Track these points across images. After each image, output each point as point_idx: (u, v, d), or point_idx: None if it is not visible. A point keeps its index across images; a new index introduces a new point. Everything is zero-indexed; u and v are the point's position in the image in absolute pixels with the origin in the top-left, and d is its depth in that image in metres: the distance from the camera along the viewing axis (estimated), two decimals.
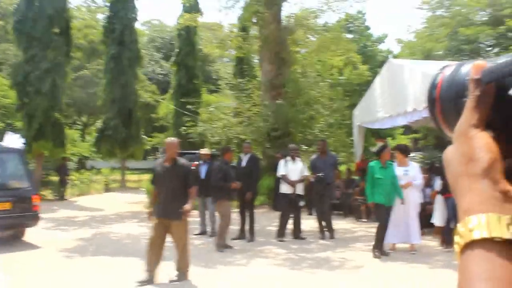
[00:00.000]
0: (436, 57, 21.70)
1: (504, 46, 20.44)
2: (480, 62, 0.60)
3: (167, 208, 6.38)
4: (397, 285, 6.42)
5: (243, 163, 10.11)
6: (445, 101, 0.65)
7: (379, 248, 8.19)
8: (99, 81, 29.49)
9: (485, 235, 0.51)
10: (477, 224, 0.52)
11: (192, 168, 6.34)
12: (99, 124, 26.99)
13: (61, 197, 20.47)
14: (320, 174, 9.98)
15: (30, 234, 10.70)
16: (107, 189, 24.79)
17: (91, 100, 35.82)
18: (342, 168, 17.13)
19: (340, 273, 7.14)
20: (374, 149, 23.76)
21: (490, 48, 22.38)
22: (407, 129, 24.34)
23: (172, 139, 6.79)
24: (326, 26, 21.34)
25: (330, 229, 10.08)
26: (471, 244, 0.52)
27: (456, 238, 0.55)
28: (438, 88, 0.67)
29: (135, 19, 26.82)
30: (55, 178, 22.00)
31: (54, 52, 19.72)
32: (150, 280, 6.43)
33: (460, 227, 0.54)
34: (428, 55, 22.34)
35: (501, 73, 0.56)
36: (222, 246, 9.00)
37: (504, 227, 0.51)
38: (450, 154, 0.59)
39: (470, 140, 0.56)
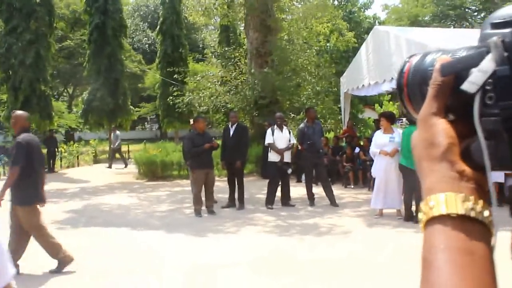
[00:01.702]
0: (422, 22, 21.71)
1: (490, 11, 20.47)
2: (444, 57, 0.67)
3: None
4: (383, 249, 6.59)
5: (231, 132, 10.18)
6: (411, 87, 0.73)
7: None
8: (84, 51, 29.18)
9: (443, 211, 0.59)
10: (436, 202, 0.60)
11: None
12: (85, 95, 26.78)
13: (50, 169, 20.45)
14: (309, 142, 10.07)
15: None
16: (96, 160, 24.78)
17: (76, 71, 35.55)
18: (330, 135, 17.27)
19: (328, 238, 7.30)
20: (361, 115, 23.97)
21: (476, 14, 22.41)
22: (394, 96, 24.46)
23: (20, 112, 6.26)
24: None
25: (332, 197, 10.14)
26: (432, 220, 0.60)
27: (420, 215, 0.63)
28: (405, 75, 0.74)
29: None
30: (43, 151, 21.92)
31: (36, 23, 19.45)
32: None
33: (422, 205, 0.62)
34: (414, 21, 22.35)
35: (457, 68, 0.64)
36: (198, 212, 9.41)
37: (460, 204, 0.59)
38: (414, 139, 0.67)
39: (430, 127, 0.64)
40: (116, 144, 22.68)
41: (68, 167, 22.18)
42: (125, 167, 20.89)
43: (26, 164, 5.75)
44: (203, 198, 9.52)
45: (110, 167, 21.19)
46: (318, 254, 6.43)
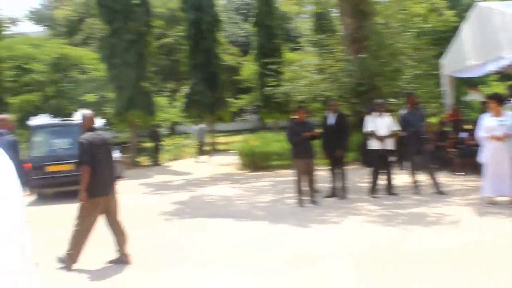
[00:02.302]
0: None
1: None
2: None
3: None
4: (497, 239, 6.26)
5: (331, 121, 10.07)
6: None
7: None
8: (182, 47, 30.08)
9: None
10: None
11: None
12: (185, 89, 27.66)
13: (155, 162, 21.36)
14: (411, 128, 9.76)
15: (130, 199, 11.35)
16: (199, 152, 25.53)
17: (176, 66, 36.73)
18: (434, 119, 16.62)
19: (437, 228, 7.03)
20: (465, 98, 22.85)
21: None
22: (504, 76, 23.07)
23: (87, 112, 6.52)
24: None
25: (438, 185, 9.81)
26: None
27: None
28: None
29: None
30: (149, 145, 22.96)
31: (135, 23, 20.28)
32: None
33: None
34: None
35: None
36: (300, 202, 9.50)
37: None
38: None
39: None
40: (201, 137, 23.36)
41: (172, 159, 23.01)
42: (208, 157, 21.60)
43: (90, 162, 6.06)
44: (305, 188, 9.54)
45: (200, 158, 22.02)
46: (427, 244, 6.22)
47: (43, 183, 12.19)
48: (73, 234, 6.17)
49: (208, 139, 26.00)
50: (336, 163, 10.10)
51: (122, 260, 6.22)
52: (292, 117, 10.40)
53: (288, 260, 5.88)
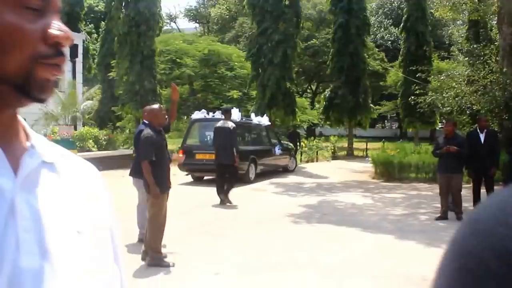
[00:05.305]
0: None
1: None
2: None
3: None
4: None
5: (482, 138, 9.55)
6: None
7: None
8: (328, 50, 30.05)
9: None
10: None
11: None
12: (328, 92, 27.61)
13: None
14: None
15: (261, 197, 11.57)
16: (334, 156, 25.34)
17: (320, 68, 36.84)
18: None
19: None
20: None
21: None
22: None
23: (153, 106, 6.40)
24: None
25: None
26: None
27: None
28: None
29: None
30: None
31: (285, 24, 20.62)
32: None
33: None
34: None
35: None
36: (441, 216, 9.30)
37: None
38: None
39: None
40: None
41: (307, 161, 23.07)
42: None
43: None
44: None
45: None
46: None
47: (193, 168, 14.56)
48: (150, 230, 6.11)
49: (345, 144, 25.74)
50: (486, 183, 9.62)
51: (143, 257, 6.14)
52: (443, 129, 10.06)
53: (417, 282, 5.59)
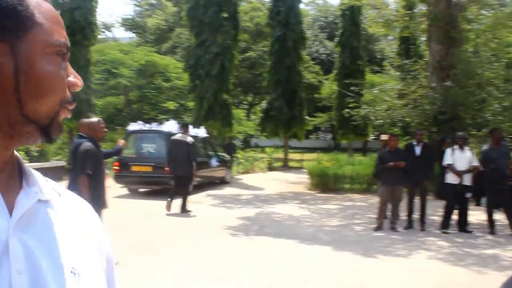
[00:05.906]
0: None
1: None
2: None
3: None
4: None
5: (417, 151, 10.00)
6: None
7: None
8: (265, 62, 30.35)
9: None
10: None
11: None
12: (264, 104, 27.85)
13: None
14: (493, 166, 9.31)
15: (198, 210, 11.51)
16: (270, 167, 25.54)
17: (256, 80, 37.11)
18: None
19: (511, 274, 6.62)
20: None
21: None
22: None
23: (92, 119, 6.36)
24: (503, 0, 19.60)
25: None
26: None
27: None
28: None
29: (300, 1, 27.11)
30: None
31: (223, 36, 20.69)
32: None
33: None
34: None
35: None
36: (377, 226, 9.67)
37: None
38: None
39: None
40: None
41: (243, 173, 23.12)
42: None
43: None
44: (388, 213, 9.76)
45: None
46: None
47: (128, 180, 14.36)
48: None
49: (281, 155, 25.98)
50: (420, 194, 10.02)
51: None
52: (383, 144, 10.59)
53: None
